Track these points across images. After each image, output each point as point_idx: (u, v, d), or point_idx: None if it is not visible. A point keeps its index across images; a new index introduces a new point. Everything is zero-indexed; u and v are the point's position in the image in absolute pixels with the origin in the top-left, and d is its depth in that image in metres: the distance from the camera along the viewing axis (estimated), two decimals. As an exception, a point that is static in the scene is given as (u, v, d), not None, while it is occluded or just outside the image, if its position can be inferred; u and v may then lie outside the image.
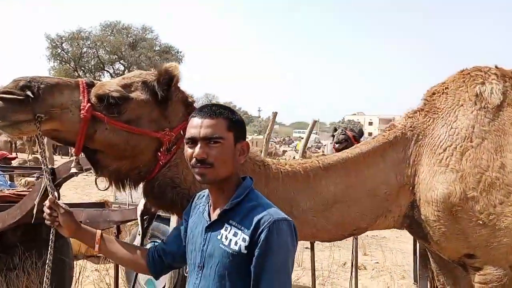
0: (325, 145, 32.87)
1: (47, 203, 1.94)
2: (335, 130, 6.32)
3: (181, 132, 2.17)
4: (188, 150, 1.69)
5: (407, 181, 2.51)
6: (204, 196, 1.83)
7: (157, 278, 2.03)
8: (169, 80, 2.16)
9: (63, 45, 39.84)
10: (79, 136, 2.07)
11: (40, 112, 1.98)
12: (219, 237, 1.63)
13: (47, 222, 1.95)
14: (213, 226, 1.68)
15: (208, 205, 1.76)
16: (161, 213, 3.53)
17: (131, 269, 2.08)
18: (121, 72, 41.10)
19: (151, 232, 4.46)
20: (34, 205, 2.60)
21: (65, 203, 2.06)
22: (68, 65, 39.79)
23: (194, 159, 1.65)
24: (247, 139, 1.79)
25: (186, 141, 1.70)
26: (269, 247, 1.54)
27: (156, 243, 3.81)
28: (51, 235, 2.01)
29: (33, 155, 21.13)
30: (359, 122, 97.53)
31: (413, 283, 4.57)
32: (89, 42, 40.38)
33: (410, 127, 2.59)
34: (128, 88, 2.15)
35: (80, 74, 40.57)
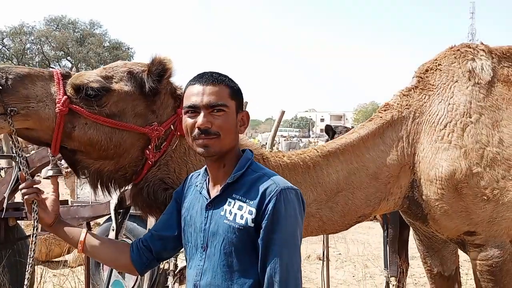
0: (279, 143, 33.14)
1: (23, 185, 1.72)
2: (331, 129, 5.82)
3: (171, 127, 2.01)
4: (188, 120, 1.55)
5: (407, 160, 2.46)
6: (199, 174, 1.70)
7: (142, 274, 1.79)
8: (161, 72, 1.96)
9: (4, 40, 37.87)
10: (55, 133, 1.85)
11: (14, 105, 1.74)
12: (222, 213, 1.52)
13: (27, 197, 1.70)
14: (215, 203, 1.56)
15: (206, 183, 1.63)
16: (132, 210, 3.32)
17: (114, 268, 1.85)
18: (68, 70, 39.56)
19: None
20: (4, 198, 2.32)
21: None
22: (10, 62, 37.71)
23: (197, 129, 1.52)
24: None
25: (186, 111, 1.56)
26: (277, 218, 1.45)
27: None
28: (34, 222, 1.75)
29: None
30: (311, 118, 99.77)
31: (383, 269, 4.62)
32: (32, 38, 38.60)
33: (406, 105, 2.54)
34: (110, 79, 1.95)
35: (24, 71, 38.67)
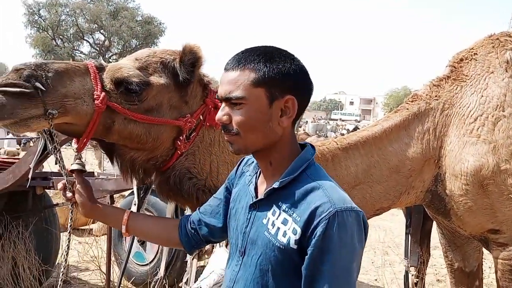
0: (305, 123, 32.92)
1: (60, 185, 1.72)
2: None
3: (200, 117, 1.98)
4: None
5: (432, 154, 2.38)
6: (252, 163, 1.48)
7: (191, 253, 1.81)
8: (194, 61, 1.92)
9: (41, 11, 38.44)
10: (88, 129, 1.81)
11: (53, 105, 1.72)
12: (264, 221, 1.31)
13: (65, 199, 1.72)
14: (259, 205, 1.35)
15: (256, 176, 1.42)
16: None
17: (162, 245, 1.83)
18: (101, 43, 40.02)
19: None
20: (30, 168, 2.37)
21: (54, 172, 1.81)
22: (45, 33, 38.43)
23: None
24: None
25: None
26: (327, 246, 1.19)
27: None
28: (70, 214, 1.78)
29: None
30: (340, 101, 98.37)
31: (404, 258, 4.56)
32: (67, 10, 38.99)
33: (436, 96, 2.45)
34: (145, 71, 1.90)
35: (58, 43, 39.32)
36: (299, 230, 1.23)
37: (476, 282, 2.94)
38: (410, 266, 4.37)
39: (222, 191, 1.60)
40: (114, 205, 4.09)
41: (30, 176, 2.34)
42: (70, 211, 1.76)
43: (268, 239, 1.29)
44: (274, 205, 1.31)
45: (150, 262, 4.64)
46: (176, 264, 4.33)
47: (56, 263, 4.71)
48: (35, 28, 38.58)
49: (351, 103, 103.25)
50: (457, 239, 2.86)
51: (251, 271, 1.32)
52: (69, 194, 1.70)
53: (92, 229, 6.54)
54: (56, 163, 1.80)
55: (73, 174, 1.73)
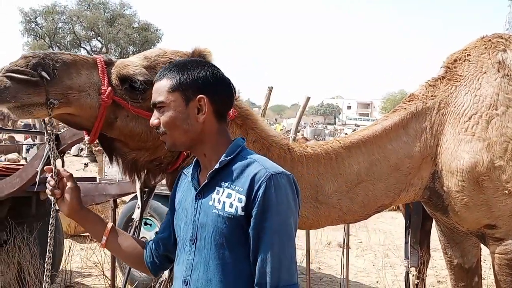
0: (304, 128, 32.97)
1: (47, 168, 1.70)
2: None
3: None
4: None
5: (429, 151, 2.45)
6: (191, 166, 1.63)
7: (155, 275, 1.77)
8: None
9: (37, 19, 38.56)
10: (96, 122, 1.86)
11: (56, 96, 1.75)
12: (210, 202, 1.46)
13: (47, 192, 1.70)
14: (203, 192, 1.50)
15: (197, 172, 1.57)
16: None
17: (131, 267, 1.85)
18: (98, 50, 40.09)
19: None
20: (37, 172, 2.43)
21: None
22: (42, 40, 38.51)
23: None
24: None
25: None
26: (267, 205, 1.37)
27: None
28: (52, 210, 1.76)
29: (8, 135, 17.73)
30: (338, 106, 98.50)
31: (404, 259, 4.60)
32: (64, 17, 39.13)
33: (432, 96, 2.52)
34: (153, 70, 1.93)
35: (56, 50, 39.30)
36: (244, 198, 1.40)
37: (475, 278, 2.99)
38: (411, 267, 4.41)
39: (169, 205, 1.69)
40: (116, 210, 4.11)
41: (37, 180, 2.39)
42: (53, 203, 1.72)
43: (217, 215, 1.43)
44: (216, 186, 1.47)
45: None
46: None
47: (60, 268, 4.74)
48: (32, 36, 38.68)
49: (349, 107, 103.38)
50: (455, 235, 2.92)
51: (208, 251, 1.44)
52: (52, 182, 1.66)
53: (94, 235, 6.55)
54: (49, 148, 1.80)
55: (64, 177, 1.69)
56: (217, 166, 1.48)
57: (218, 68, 1.57)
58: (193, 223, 1.49)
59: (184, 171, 1.68)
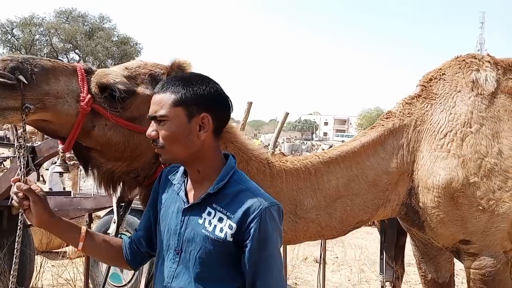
0: (282, 143, 33.14)
1: (13, 188, 1.62)
2: None
3: None
4: None
5: (406, 168, 2.49)
6: (177, 172, 1.65)
7: (136, 269, 1.80)
8: None
9: (14, 31, 38.01)
10: (73, 130, 1.84)
11: (32, 100, 1.72)
12: (200, 221, 1.50)
13: (14, 203, 1.63)
14: (193, 209, 1.52)
15: (184, 184, 1.59)
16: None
17: (111, 265, 1.80)
18: (75, 62, 39.59)
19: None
20: (11, 186, 2.35)
21: None
22: (19, 52, 37.85)
23: None
24: None
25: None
26: (264, 237, 1.45)
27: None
28: (19, 222, 1.71)
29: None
30: (315, 121, 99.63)
31: (379, 274, 4.65)
32: (42, 29, 38.70)
33: (408, 113, 2.58)
34: (133, 81, 1.94)
35: (32, 62, 38.69)
36: (234, 226, 1.46)
37: (449, 293, 3.04)
38: (386, 281, 4.45)
39: (149, 204, 1.71)
40: (91, 225, 4.04)
41: (12, 193, 2.32)
42: (21, 213, 1.66)
43: (206, 235, 1.48)
44: (208, 207, 1.50)
45: (128, 283, 4.57)
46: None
47: (31, 285, 4.58)
48: (8, 48, 38.03)
49: (326, 123, 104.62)
50: (430, 250, 2.96)
51: (191, 264, 1.50)
52: (20, 194, 1.59)
53: (66, 251, 6.40)
54: (18, 158, 1.73)
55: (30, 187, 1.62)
56: (211, 190, 1.50)
57: (220, 85, 1.57)
58: (178, 235, 1.52)
59: (168, 170, 1.68)
